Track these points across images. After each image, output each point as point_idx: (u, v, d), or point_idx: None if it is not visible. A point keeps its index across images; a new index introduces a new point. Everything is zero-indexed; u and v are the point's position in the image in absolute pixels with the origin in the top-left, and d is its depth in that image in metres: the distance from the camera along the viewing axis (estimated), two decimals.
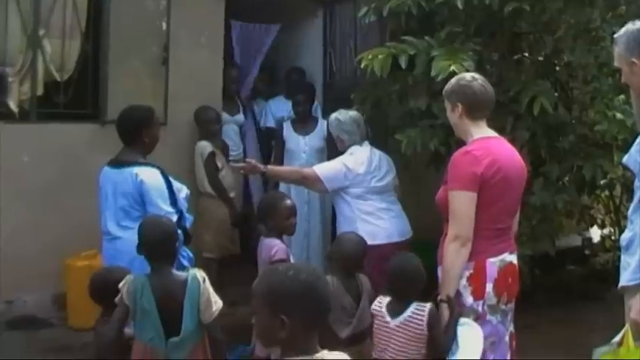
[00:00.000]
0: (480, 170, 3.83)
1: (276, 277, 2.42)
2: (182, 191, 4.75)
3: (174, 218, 4.46)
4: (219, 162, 6.69)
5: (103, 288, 4.08)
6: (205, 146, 6.62)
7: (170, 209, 4.51)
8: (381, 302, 4.10)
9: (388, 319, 4.00)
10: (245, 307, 5.53)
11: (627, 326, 3.50)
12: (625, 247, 3.71)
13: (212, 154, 6.61)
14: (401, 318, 3.95)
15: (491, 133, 4.09)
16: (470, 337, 3.84)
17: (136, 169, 4.57)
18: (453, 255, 3.85)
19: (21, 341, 5.74)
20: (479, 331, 3.87)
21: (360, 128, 5.80)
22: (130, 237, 4.33)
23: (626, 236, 3.72)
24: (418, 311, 3.92)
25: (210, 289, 3.88)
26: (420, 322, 3.90)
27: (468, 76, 4.16)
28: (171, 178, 4.68)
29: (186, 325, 3.80)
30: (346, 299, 4.38)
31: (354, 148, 5.72)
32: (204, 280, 3.87)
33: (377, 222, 5.57)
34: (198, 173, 6.62)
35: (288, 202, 4.88)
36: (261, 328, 2.42)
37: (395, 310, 4.00)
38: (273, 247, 4.62)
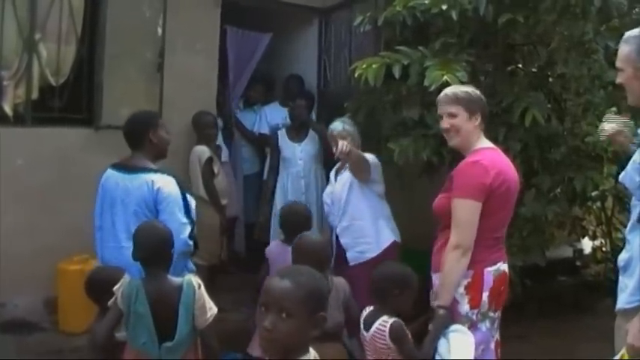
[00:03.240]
0: (489, 181, 3.89)
1: (310, 279, 2.50)
2: (192, 202, 4.74)
3: (189, 229, 4.48)
4: (216, 167, 6.71)
5: (99, 287, 4.12)
6: (203, 151, 6.63)
7: (185, 220, 4.49)
8: (364, 313, 4.12)
9: (363, 331, 4.04)
10: (234, 314, 5.60)
11: (624, 350, 3.43)
12: (623, 268, 3.64)
13: (210, 160, 6.62)
14: (370, 331, 3.97)
15: (491, 143, 4.18)
16: (462, 344, 3.86)
17: (152, 177, 4.53)
18: (453, 263, 3.88)
19: (12, 345, 5.70)
20: (470, 337, 3.89)
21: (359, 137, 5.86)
22: None
23: (623, 257, 3.66)
24: (381, 326, 3.93)
25: (206, 296, 3.89)
26: (383, 337, 3.90)
27: (473, 88, 4.25)
28: None
29: (181, 331, 3.81)
30: None
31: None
32: (199, 286, 3.87)
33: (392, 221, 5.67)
34: (194, 178, 6.61)
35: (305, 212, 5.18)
36: (291, 333, 2.42)
37: (368, 322, 4.02)
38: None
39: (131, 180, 4.57)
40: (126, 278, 3.97)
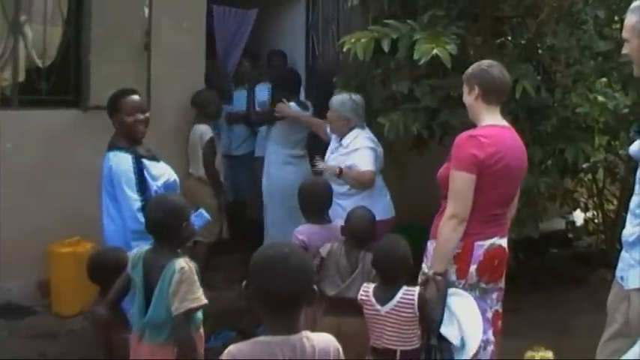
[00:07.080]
0: (482, 156, 3.94)
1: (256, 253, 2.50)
2: (161, 178, 4.65)
3: (137, 205, 4.42)
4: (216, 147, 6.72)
5: (101, 268, 4.12)
6: (206, 130, 6.60)
7: (135, 196, 4.44)
8: (367, 289, 4.11)
9: (378, 307, 4.03)
10: (227, 293, 5.59)
11: None
12: (631, 244, 3.57)
13: (212, 140, 6.60)
14: (391, 304, 4.00)
15: (502, 121, 4.19)
16: (464, 306, 3.95)
17: (111, 154, 4.57)
18: (449, 232, 3.95)
19: (5, 329, 5.70)
20: (470, 298, 3.98)
21: (364, 112, 5.79)
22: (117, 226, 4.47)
23: (631, 231, 3.58)
24: (407, 295, 3.97)
25: (187, 283, 3.59)
26: (411, 306, 3.95)
27: (487, 62, 4.26)
28: (151, 164, 4.63)
29: (153, 311, 3.66)
30: (342, 263, 4.44)
31: (359, 131, 5.68)
32: (181, 271, 3.60)
33: (380, 199, 5.59)
34: (193, 156, 6.60)
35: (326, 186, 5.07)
36: None
37: (383, 296, 4.04)
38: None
39: (103, 157, 4.63)
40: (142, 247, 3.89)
